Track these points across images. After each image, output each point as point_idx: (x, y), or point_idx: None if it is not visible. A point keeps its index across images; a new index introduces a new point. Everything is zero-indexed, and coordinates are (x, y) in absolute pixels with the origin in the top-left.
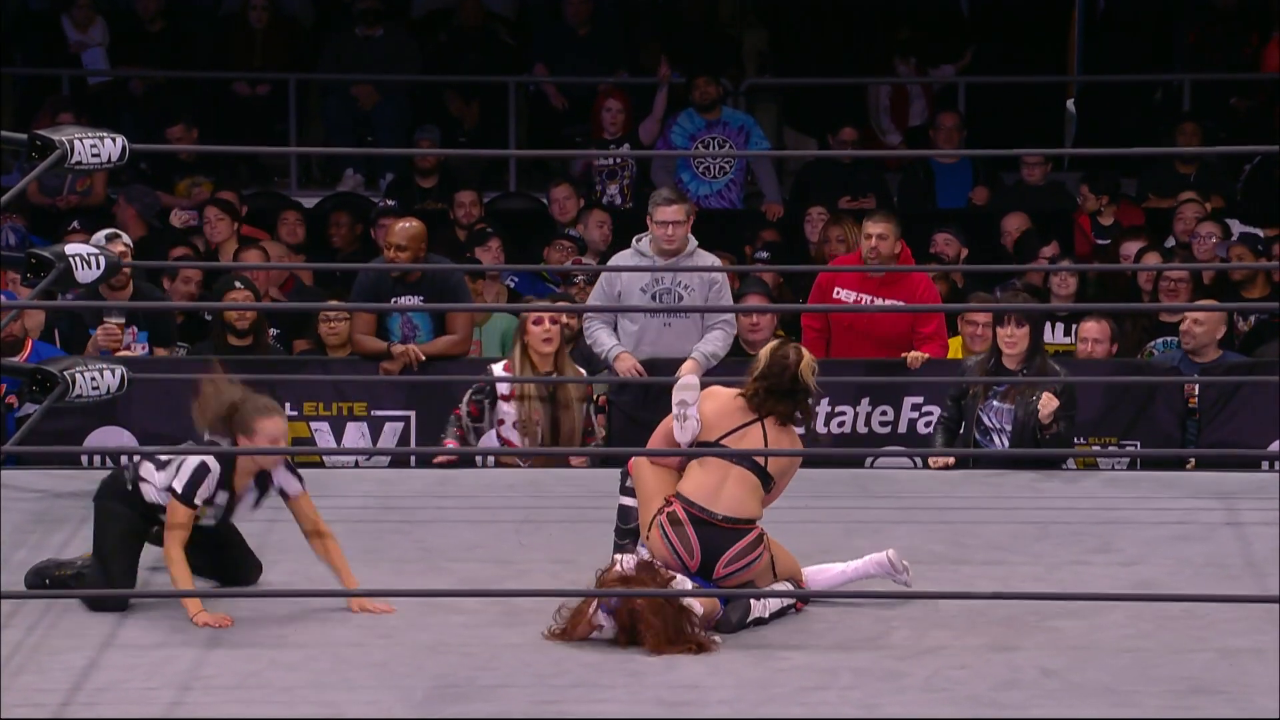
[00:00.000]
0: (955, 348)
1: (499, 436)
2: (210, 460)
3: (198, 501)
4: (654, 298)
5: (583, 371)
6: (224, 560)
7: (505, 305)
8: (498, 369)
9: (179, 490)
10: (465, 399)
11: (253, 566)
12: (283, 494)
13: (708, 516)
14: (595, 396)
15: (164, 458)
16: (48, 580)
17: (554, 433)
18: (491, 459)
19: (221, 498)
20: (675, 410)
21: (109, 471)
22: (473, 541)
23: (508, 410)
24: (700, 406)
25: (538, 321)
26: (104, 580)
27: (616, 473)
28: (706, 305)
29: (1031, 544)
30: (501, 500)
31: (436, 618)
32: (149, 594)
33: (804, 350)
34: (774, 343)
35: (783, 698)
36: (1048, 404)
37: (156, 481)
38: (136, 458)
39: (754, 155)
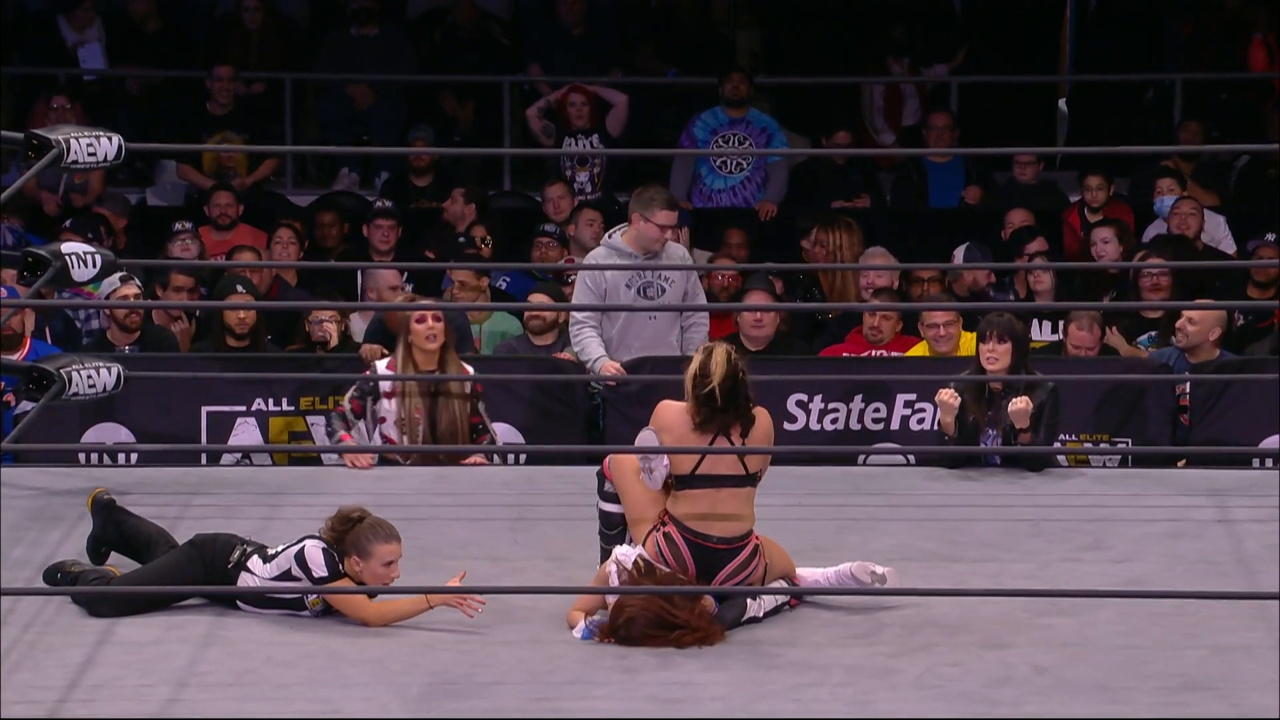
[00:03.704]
0: (921, 350)
1: (381, 435)
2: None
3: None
4: (639, 291)
5: (468, 369)
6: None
7: (505, 305)
8: (382, 366)
9: (327, 574)
10: (347, 395)
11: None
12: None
13: (703, 540)
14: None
15: (270, 551)
16: (60, 575)
17: (433, 430)
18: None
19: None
20: (640, 463)
21: (215, 534)
22: (466, 539)
23: (389, 408)
24: (662, 441)
25: (420, 320)
26: (125, 594)
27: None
28: (696, 302)
29: (1023, 541)
30: (495, 498)
31: (432, 615)
32: (149, 592)
33: (727, 348)
34: (700, 356)
35: (776, 694)
36: (1020, 408)
37: (260, 573)
38: (249, 548)
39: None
